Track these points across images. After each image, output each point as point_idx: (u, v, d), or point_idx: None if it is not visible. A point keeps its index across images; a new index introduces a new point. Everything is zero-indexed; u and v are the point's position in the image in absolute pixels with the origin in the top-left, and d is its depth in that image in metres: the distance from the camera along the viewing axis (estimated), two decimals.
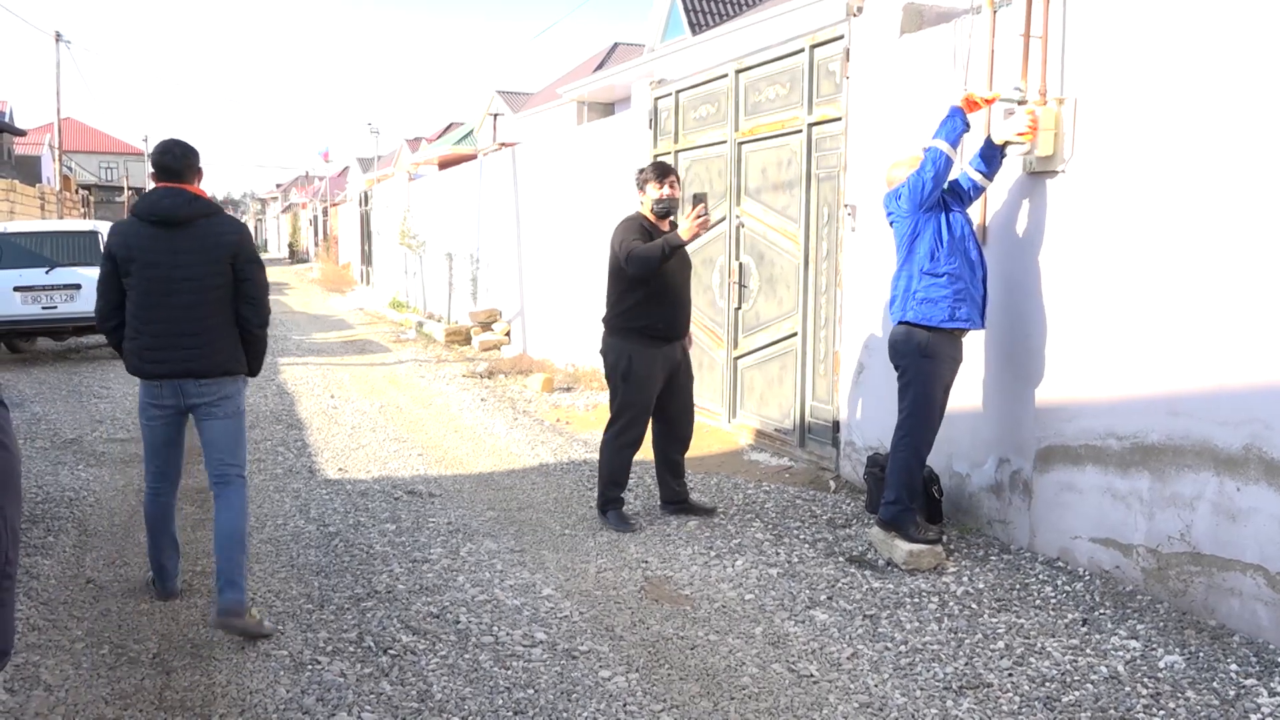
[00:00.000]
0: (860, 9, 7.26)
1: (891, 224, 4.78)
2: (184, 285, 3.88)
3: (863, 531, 5.17)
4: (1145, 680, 3.48)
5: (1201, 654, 3.67)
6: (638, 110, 8.99)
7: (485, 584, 4.44)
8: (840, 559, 4.78)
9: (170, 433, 4.07)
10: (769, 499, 5.86)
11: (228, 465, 4.05)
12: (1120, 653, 3.70)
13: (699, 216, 4.95)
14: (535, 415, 8.62)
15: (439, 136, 39.68)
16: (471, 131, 33.05)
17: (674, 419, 5.49)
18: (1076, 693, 3.40)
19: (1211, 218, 3.86)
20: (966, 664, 3.62)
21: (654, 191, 5.27)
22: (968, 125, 4.56)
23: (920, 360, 4.60)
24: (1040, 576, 4.47)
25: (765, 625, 4.00)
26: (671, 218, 5.37)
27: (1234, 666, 3.56)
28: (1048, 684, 3.46)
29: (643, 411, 5.34)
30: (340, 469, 6.63)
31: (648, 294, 5.19)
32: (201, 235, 3.91)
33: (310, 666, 3.61)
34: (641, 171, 5.38)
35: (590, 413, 8.62)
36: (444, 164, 27.84)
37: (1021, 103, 4.58)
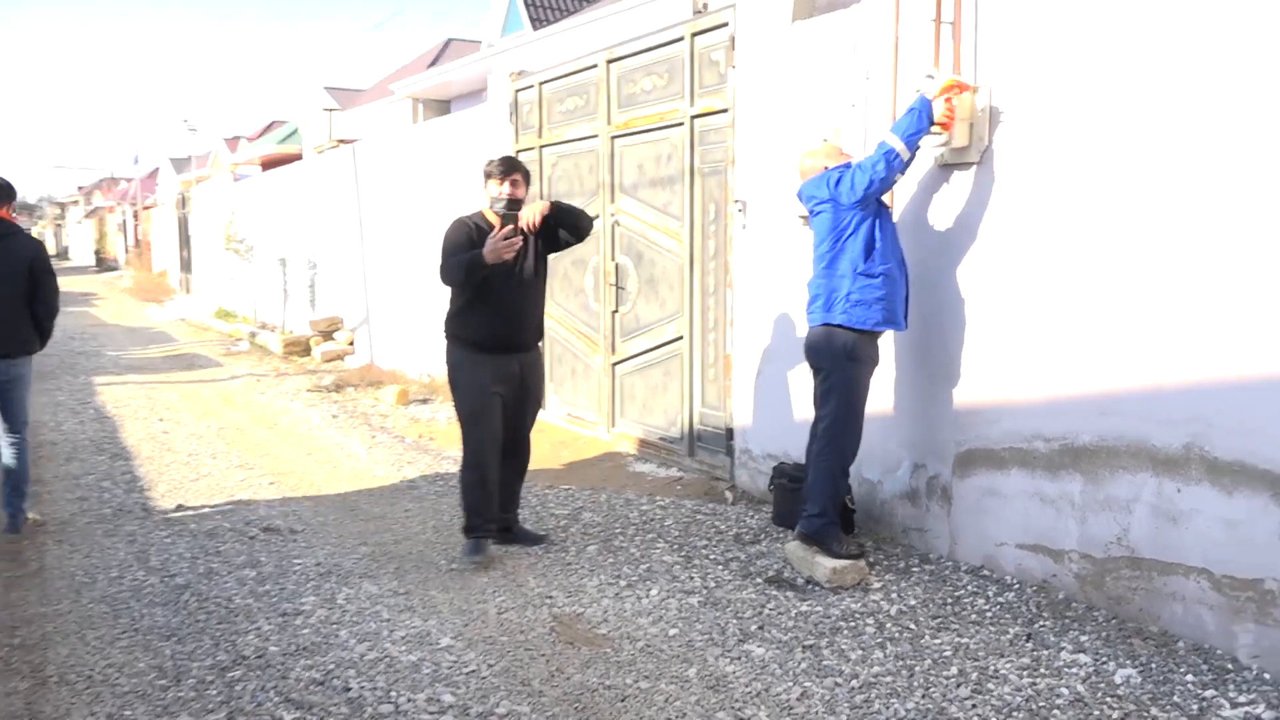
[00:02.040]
0: (705, 5, 7.01)
1: (814, 214, 4.44)
2: None
3: (774, 547, 4.86)
4: (1109, 700, 3.28)
5: (1153, 665, 3.51)
6: (496, 103, 8.47)
7: (373, 637, 3.87)
8: (758, 580, 4.45)
9: None
10: (667, 515, 5.48)
11: (21, 423, 5.30)
12: (1074, 670, 3.49)
13: (505, 239, 4.47)
14: (394, 431, 7.98)
15: (260, 135, 37.56)
16: (296, 130, 31.37)
17: (507, 442, 4.87)
18: None
19: (1144, 209, 3.72)
20: (924, 696, 3.33)
21: (494, 189, 4.70)
22: (931, 123, 4.24)
23: (845, 364, 4.31)
24: (969, 588, 4.26)
25: (699, 666, 3.61)
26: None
27: (1190, 677, 3.41)
28: (1015, 714, 3.20)
29: (488, 431, 4.72)
30: (180, 505, 5.85)
31: (475, 301, 4.68)
32: (8, 249, 5.13)
33: None
34: (489, 164, 4.78)
35: (454, 426, 7.98)
36: (267, 164, 26.27)
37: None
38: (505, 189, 4.68)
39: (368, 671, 3.57)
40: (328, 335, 12.72)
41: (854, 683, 3.44)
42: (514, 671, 3.58)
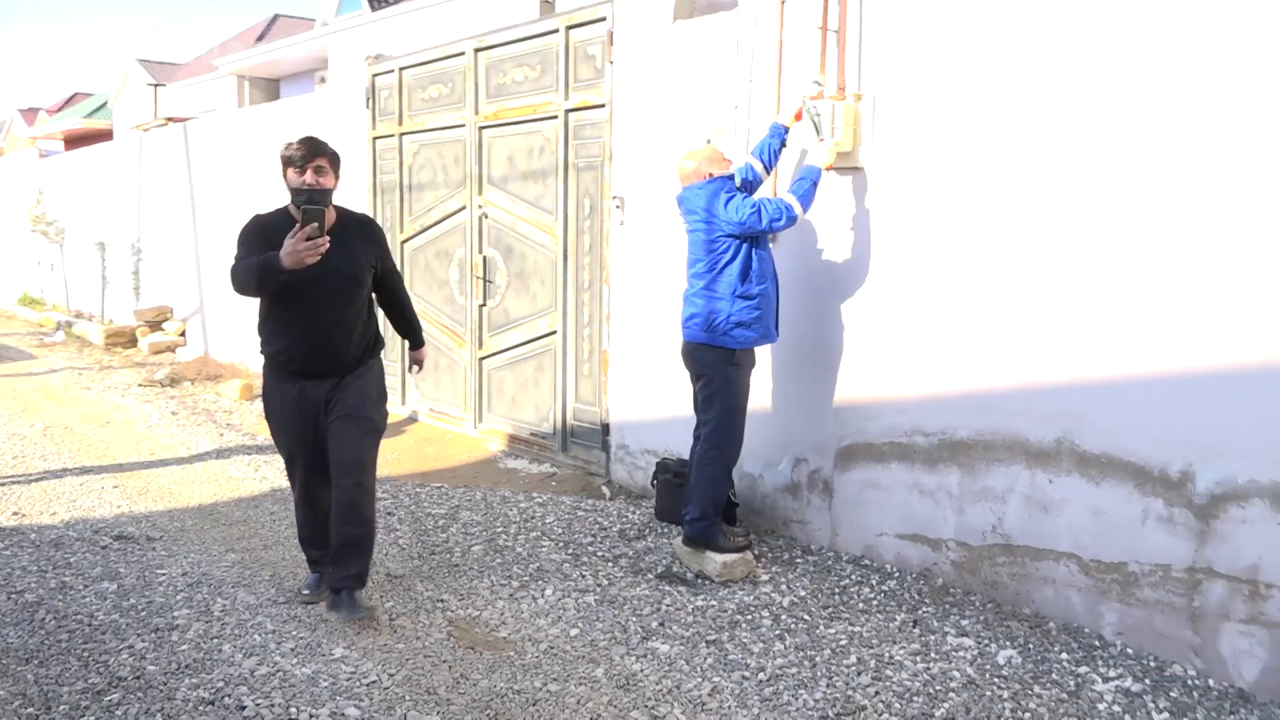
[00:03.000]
0: (553, 2, 7.00)
1: (690, 229, 4.45)
2: None
3: (660, 543, 4.90)
4: (997, 681, 3.48)
5: (1031, 645, 3.74)
6: (346, 86, 8.15)
7: (260, 650, 3.67)
8: (649, 576, 4.48)
9: None
10: (547, 512, 5.44)
11: None
12: (961, 654, 3.69)
13: (308, 239, 3.61)
14: (243, 429, 7.59)
15: (62, 107, 34.90)
16: (106, 103, 29.29)
17: (332, 487, 3.98)
18: (945, 704, 3.32)
19: (1019, 215, 3.94)
20: (829, 685, 3.45)
21: (294, 179, 3.81)
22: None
23: (727, 369, 4.37)
24: (853, 577, 4.42)
25: (605, 665, 3.60)
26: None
27: (1064, 655, 3.66)
28: (915, 699, 3.35)
29: (293, 459, 4.08)
30: (15, 514, 5.38)
31: (276, 314, 3.99)
32: None
33: None
34: (286, 147, 3.86)
35: None
36: (71, 139, 24.37)
37: (818, 97, 4.47)
38: (308, 178, 3.80)
39: (261, 688, 3.39)
40: (156, 325, 11.95)
41: (761, 675, 3.52)
42: (417, 680, 3.47)
